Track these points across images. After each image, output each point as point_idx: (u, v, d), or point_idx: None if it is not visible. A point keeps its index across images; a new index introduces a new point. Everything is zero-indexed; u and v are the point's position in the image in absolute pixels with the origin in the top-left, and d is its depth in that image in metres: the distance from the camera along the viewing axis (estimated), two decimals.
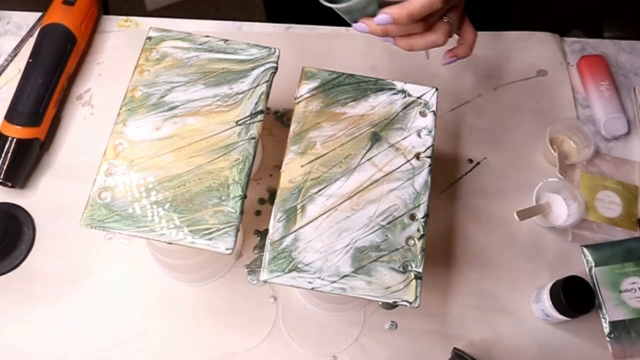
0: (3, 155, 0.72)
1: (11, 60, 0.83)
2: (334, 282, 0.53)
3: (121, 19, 0.87)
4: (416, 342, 0.71)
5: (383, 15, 0.56)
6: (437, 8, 0.55)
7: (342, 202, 0.56)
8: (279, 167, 0.58)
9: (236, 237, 0.54)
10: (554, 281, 0.69)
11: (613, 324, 0.72)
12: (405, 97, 0.61)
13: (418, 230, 0.56)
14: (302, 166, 0.57)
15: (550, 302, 0.68)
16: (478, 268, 0.75)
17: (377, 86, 0.62)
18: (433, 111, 0.61)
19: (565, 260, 0.75)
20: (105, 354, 0.69)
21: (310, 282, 0.52)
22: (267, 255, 0.53)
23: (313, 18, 0.88)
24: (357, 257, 0.54)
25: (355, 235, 0.55)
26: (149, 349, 0.69)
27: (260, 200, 0.77)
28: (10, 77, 0.82)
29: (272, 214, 0.55)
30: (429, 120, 0.60)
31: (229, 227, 0.54)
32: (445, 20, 0.59)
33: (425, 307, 0.72)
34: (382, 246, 0.54)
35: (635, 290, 0.73)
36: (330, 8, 0.58)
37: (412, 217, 0.56)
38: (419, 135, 0.59)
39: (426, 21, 0.57)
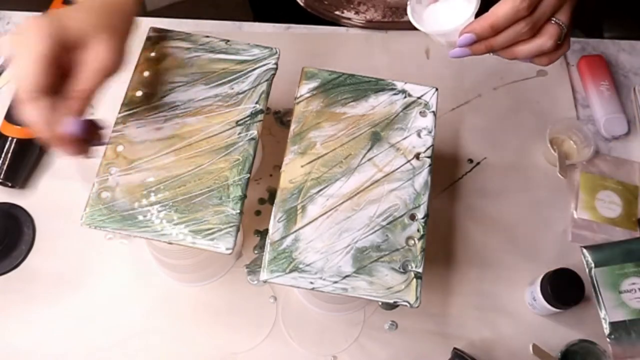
0: (3, 155, 0.72)
1: None
2: (335, 282, 0.53)
3: None
4: (416, 342, 0.71)
5: (466, 36, 0.53)
6: (522, 13, 0.51)
7: (342, 203, 0.56)
8: (279, 167, 0.58)
9: (236, 237, 0.54)
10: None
11: (613, 325, 0.72)
12: (405, 97, 0.61)
13: (418, 231, 0.56)
14: (302, 166, 0.57)
15: (540, 292, 0.69)
16: (478, 268, 0.75)
17: (378, 86, 0.62)
18: (433, 111, 0.61)
19: (565, 261, 0.75)
20: (105, 354, 0.69)
21: (311, 283, 0.52)
22: (267, 256, 0.53)
23: (313, 18, 0.88)
24: (358, 257, 0.54)
25: (355, 236, 0.55)
26: (149, 349, 0.69)
27: (260, 200, 0.77)
28: (10, 77, 0.82)
29: (272, 214, 0.55)
30: (429, 121, 0.60)
31: (229, 227, 0.54)
32: (554, 22, 0.54)
33: (425, 307, 0.72)
34: (382, 246, 0.54)
35: (635, 290, 0.73)
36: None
37: (412, 217, 0.56)
38: (419, 136, 0.59)
39: (533, 26, 0.53)
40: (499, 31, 0.52)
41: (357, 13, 0.84)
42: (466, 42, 0.53)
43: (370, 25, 0.86)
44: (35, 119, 0.47)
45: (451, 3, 0.56)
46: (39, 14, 0.84)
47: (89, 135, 0.50)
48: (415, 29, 0.86)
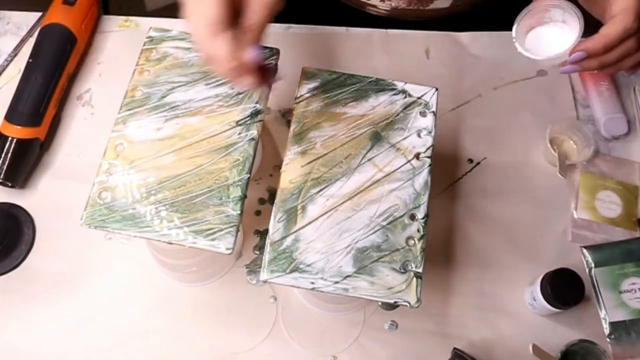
0: (3, 155, 0.72)
1: (11, 60, 0.83)
2: (336, 282, 0.53)
3: (121, 19, 0.87)
4: (416, 342, 0.71)
5: (578, 53, 0.54)
6: (633, 31, 0.52)
7: (342, 203, 0.56)
8: (279, 167, 0.58)
9: (236, 237, 0.54)
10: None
11: (613, 325, 0.72)
12: (405, 97, 0.61)
13: (418, 231, 0.56)
14: (302, 166, 0.57)
15: (540, 292, 0.69)
16: (478, 268, 0.75)
17: (378, 86, 0.62)
18: (433, 111, 0.61)
19: (565, 261, 0.75)
20: (105, 354, 0.69)
21: (312, 283, 0.53)
22: (267, 256, 0.53)
23: (313, 18, 0.88)
24: (359, 257, 0.54)
25: (356, 236, 0.55)
26: (149, 349, 0.69)
27: (260, 200, 0.77)
28: (10, 77, 0.82)
29: (272, 214, 0.55)
30: (429, 121, 0.60)
31: (229, 227, 0.54)
32: None
33: (425, 307, 0.72)
34: (383, 246, 0.54)
35: (635, 290, 0.73)
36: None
37: (412, 217, 0.56)
38: (419, 136, 0.59)
39: (639, 39, 0.54)
40: (612, 49, 0.54)
41: (382, 0, 0.84)
42: (578, 59, 0.55)
43: (394, 12, 0.86)
44: (223, 50, 0.49)
45: (551, 27, 0.58)
46: (39, 14, 0.85)
47: (265, 72, 0.53)
48: (416, 28, 0.87)
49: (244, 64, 0.50)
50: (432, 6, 0.84)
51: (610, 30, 0.53)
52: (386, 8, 0.85)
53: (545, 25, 0.58)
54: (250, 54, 0.49)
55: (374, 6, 0.86)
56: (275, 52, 0.62)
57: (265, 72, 0.53)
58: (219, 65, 0.50)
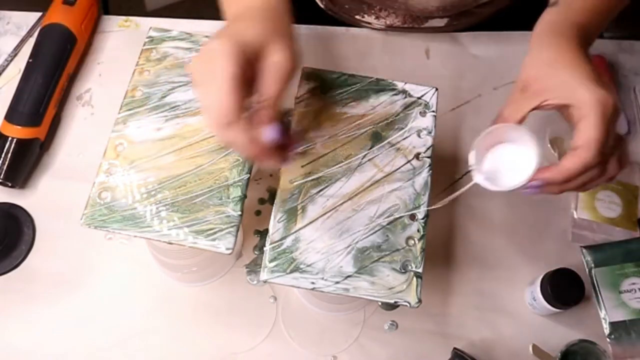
0: (3, 155, 0.72)
1: (11, 60, 0.83)
2: (337, 282, 0.53)
3: (121, 19, 0.87)
4: (416, 342, 0.71)
5: (535, 183, 0.53)
6: (594, 164, 0.52)
7: (342, 203, 0.56)
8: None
9: (236, 237, 0.54)
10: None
11: (613, 325, 0.72)
12: (405, 97, 0.61)
13: (418, 231, 0.56)
14: (302, 166, 0.57)
15: (540, 292, 0.69)
16: (478, 268, 0.75)
17: (378, 86, 0.62)
18: (433, 111, 0.61)
19: (565, 261, 0.75)
20: (105, 354, 0.69)
21: (312, 283, 0.53)
22: (267, 256, 0.53)
23: (313, 18, 0.88)
24: (359, 257, 0.54)
25: (356, 236, 0.55)
26: (149, 349, 0.69)
27: (260, 200, 0.77)
28: (10, 77, 0.82)
29: (272, 214, 0.55)
30: (429, 121, 0.60)
31: (230, 227, 0.54)
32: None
33: (425, 307, 0.72)
34: (383, 246, 0.54)
35: (635, 290, 0.73)
36: None
37: (412, 218, 0.56)
38: (419, 136, 0.59)
39: (603, 169, 0.54)
40: (571, 179, 0.53)
41: (377, 18, 0.85)
42: (535, 186, 0.54)
43: (389, 29, 0.86)
44: (240, 140, 0.46)
45: (509, 149, 0.55)
46: (39, 14, 0.85)
47: (286, 140, 0.50)
48: (415, 30, 0.87)
49: (264, 147, 0.48)
50: (427, 24, 0.84)
51: (569, 165, 0.52)
52: (381, 25, 0.86)
53: (503, 145, 0.56)
54: (268, 136, 0.47)
55: (369, 23, 0.86)
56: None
57: (285, 140, 0.50)
58: (239, 151, 0.50)
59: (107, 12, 0.89)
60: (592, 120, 0.50)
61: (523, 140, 0.54)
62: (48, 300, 0.71)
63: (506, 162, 0.55)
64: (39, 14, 0.86)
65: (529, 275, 0.73)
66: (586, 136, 0.51)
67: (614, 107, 0.51)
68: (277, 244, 0.54)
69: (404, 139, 0.59)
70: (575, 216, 0.77)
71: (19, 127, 0.73)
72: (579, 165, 0.51)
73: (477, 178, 0.54)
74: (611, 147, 0.53)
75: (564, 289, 0.68)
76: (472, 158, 0.54)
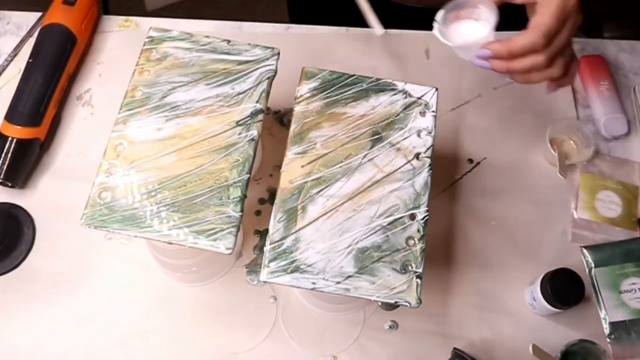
0: (3, 155, 0.72)
1: (11, 60, 0.83)
2: (338, 282, 0.53)
3: (121, 19, 0.87)
4: (416, 342, 0.71)
5: (483, 50, 0.58)
6: (539, 47, 0.56)
7: (343, 203, 0.56)
8: (279, 167, 0.58)
9: (236, 237, 0.54)
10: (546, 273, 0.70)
11: (613, 325, 0.72)
12: (405, 97, 0.61)
13: (418, 231, 0.56)
14: (302, 166, 0.57)
15: (540, 292, 0.69)
16: (478, 268, 0.75)
17: (378, 86, 0.62)
18: (433, 111, 0.61)
19: (565, 261, 0.75)
20: (105, 354, 0.69)
21: (313, 283, 0.53)
22: (267, 256, 0.53)
23: (313, 18, 0.88)
24: (360, 257, 0.54)
25: (356, 236, 0.55)
26: (149, 349, 0.69)
27: (260, 200, 0.77)
28: (10, 77, 0.82)
29: (272, 214, 0.55)
30: (429, 121, 0.60)
31: (230, 227, 0.54)
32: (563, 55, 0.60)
33: (425, 307, 0.72)
34: (383, 246, 0.54)
35: (635, 290, 0.73)
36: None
37: (412, 218, 0.56)
38: (419, 136, 0.59)
39: (549, 59, 0.58)
40: (516, 57, 0.58)
41: None
42: (482, 55, 0.59)
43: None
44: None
45: (473, 24, 0.62)
46: (39, 14, 0.85)
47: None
48: (416, 29, 0.87)
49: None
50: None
51: (517, 39, 0.57)
52: None
53: (469, 20, 0.62)
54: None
55: None
56: (275, 52, 0.62)
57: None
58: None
59: (107, 12, 0.89)
60: (550, 8, 0.56)
61: (486, 18, 0.60)
62: (48, 300, 0.70)
63: (467, 31, 0.62)
64: (39, 14, 0.86)
65: (529, 275, 0.73)
66: (538, 20, 0.56)
67: (575, 5, 0.57)
68: (277, 244, 0.54)
69: (404, 139, 0.59)
70: (575, 216, 0.77)
71: (19, 127, 0.73)
72: (525, 42, 0.56)
73: (435, 30, 0.61)
74: (560, 43, 0.58)
75: (564, 289, 0.68)
76: (439, 15, 0.61)
